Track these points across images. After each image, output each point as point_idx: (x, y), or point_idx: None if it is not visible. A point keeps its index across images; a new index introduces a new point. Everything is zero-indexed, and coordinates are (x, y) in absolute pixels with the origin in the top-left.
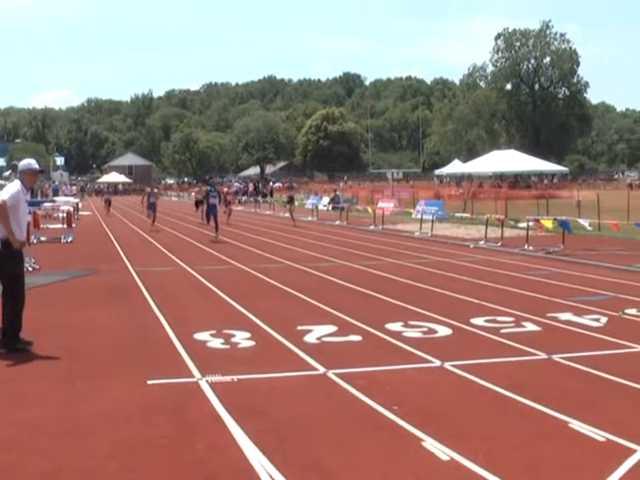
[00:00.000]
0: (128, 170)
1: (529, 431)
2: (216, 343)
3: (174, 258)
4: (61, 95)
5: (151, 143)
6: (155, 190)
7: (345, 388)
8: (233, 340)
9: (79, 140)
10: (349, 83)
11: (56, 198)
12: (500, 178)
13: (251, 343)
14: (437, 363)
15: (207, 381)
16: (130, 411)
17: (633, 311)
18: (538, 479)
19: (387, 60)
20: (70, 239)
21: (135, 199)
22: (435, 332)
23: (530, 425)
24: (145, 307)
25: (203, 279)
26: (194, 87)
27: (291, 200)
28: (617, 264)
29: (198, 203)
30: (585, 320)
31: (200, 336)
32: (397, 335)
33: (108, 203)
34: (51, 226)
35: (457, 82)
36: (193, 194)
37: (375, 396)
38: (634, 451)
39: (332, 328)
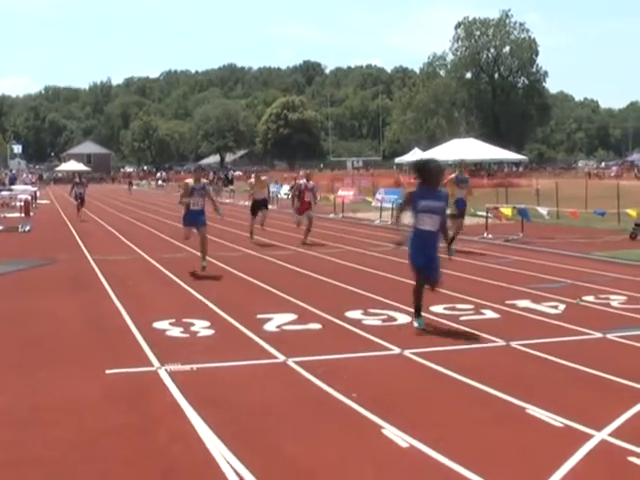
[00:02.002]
0: (87, 158)
1: (487, 417)
2: (175, 332)
3: (133, 247)
4: (19, 82)
5: (110, 131)
6: (208, 181)
7: (305, 376)
8: (192, 329)
9: (37, 128)
10: (309, 71)
11: (13, 187)
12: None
13: (211, 332)
14: (396, 351)
15: (166, 370)
16: (89, 401)
17: (590, 298)
18: (496, 464)
19: (347, 48)
20: (28, 228)
21: (97, 189)
22: (395, 320)
23: (488, 411)
24: (104, 296)
25: (162, 267)
26: (153, 75)
27: (460, 213)
28: (575, 252)
29: (256, 208)
30: (543, 307)
31: (159, 325)
32: (357, 323)
33: (80, 200)
34: (8, 215)
35: (417, 71)
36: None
37: (335, 384)
38: (591, 436)
39: (292, 316)
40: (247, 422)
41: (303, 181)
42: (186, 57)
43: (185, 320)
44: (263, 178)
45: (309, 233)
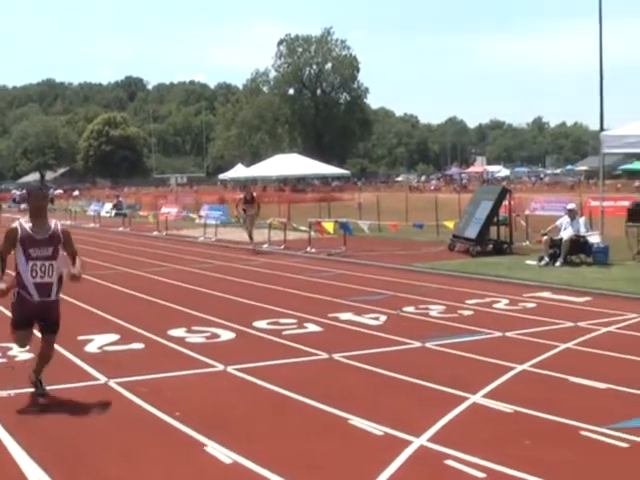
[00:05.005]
0: None
1: (311, 429)
2: None
3: None
4: None
5: None
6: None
7: (127, 397)
8: (10, 353)
9: None
10: (131, 87)
11: None
12: (284, 182)
13: (29, 355)
14: (220, 367)
15: None
16: None
17: (410, 309)
18: (320, 475)
19: (170, 64)
20: None
21: None
22: (218, 336)
23: (312, 423)
24: None
25: None
26: None
27: None
28: (396, 264)
29: None
30: (365, 319)
31: None
32: (180, 341)
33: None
34: None
35: (241, 87)
36: None
37: (158, 403)
38: (410, 442)
39: (114, 337)
40: (67, 446)
41: None
42: (2, 72)
43: (2, 345)
44: None
45: None
